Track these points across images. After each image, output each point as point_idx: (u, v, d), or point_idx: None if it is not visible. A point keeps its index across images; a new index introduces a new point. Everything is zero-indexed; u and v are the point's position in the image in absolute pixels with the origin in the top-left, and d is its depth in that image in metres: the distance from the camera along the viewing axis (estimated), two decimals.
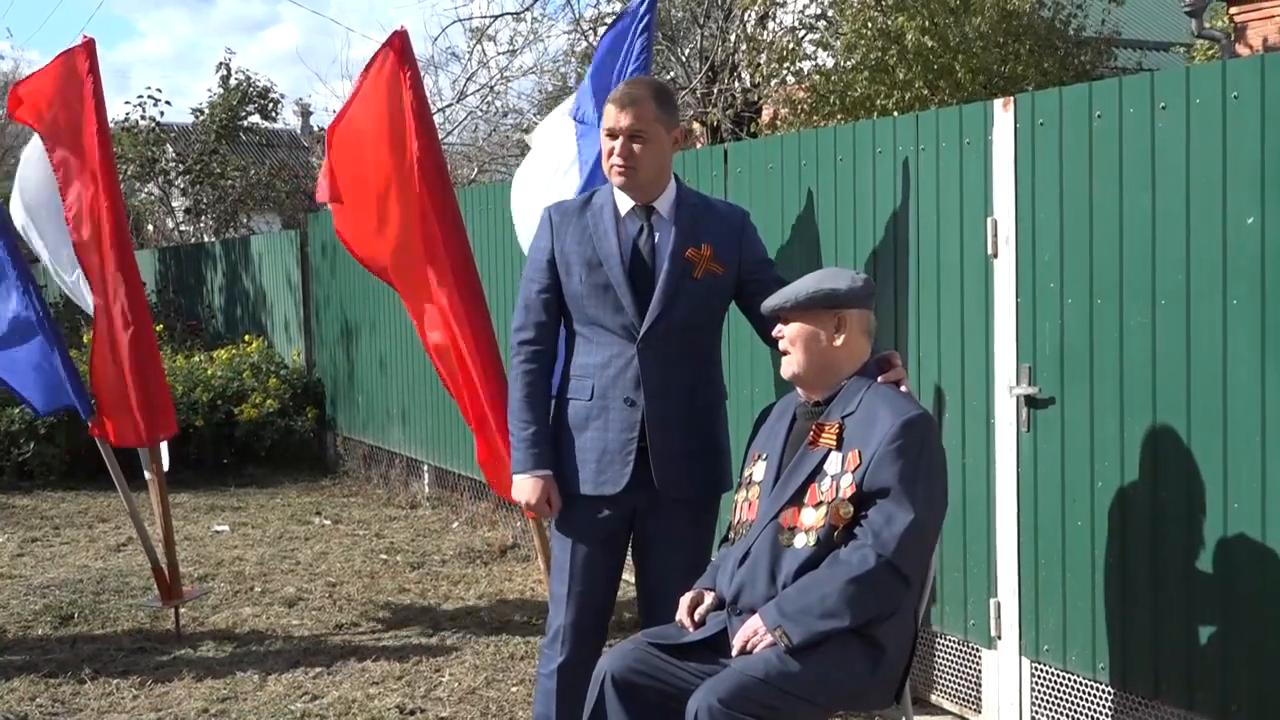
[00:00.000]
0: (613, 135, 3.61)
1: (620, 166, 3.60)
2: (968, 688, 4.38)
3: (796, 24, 13.14)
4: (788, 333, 3.35)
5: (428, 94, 5.66)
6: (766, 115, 13.56)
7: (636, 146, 3.58)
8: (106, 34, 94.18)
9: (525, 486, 3.68)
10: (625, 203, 3.67)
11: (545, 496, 3.67)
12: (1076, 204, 3.86)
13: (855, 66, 11.24)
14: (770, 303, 3.38)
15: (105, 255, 5.54)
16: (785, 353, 3.36)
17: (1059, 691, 4.05)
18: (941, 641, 4.48)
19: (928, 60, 10.88)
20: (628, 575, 3.88)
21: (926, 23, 10.71)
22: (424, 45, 24.36)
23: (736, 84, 13.31)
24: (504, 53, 15.95)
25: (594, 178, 4.65)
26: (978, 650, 4.32)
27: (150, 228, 20.04)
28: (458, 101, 16.49)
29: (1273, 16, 13.25)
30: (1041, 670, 4.10)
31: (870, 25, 10.98)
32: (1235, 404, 3.45)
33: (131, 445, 5.76)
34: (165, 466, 5.84)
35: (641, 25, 4.99)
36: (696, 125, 13.17)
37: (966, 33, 10.84)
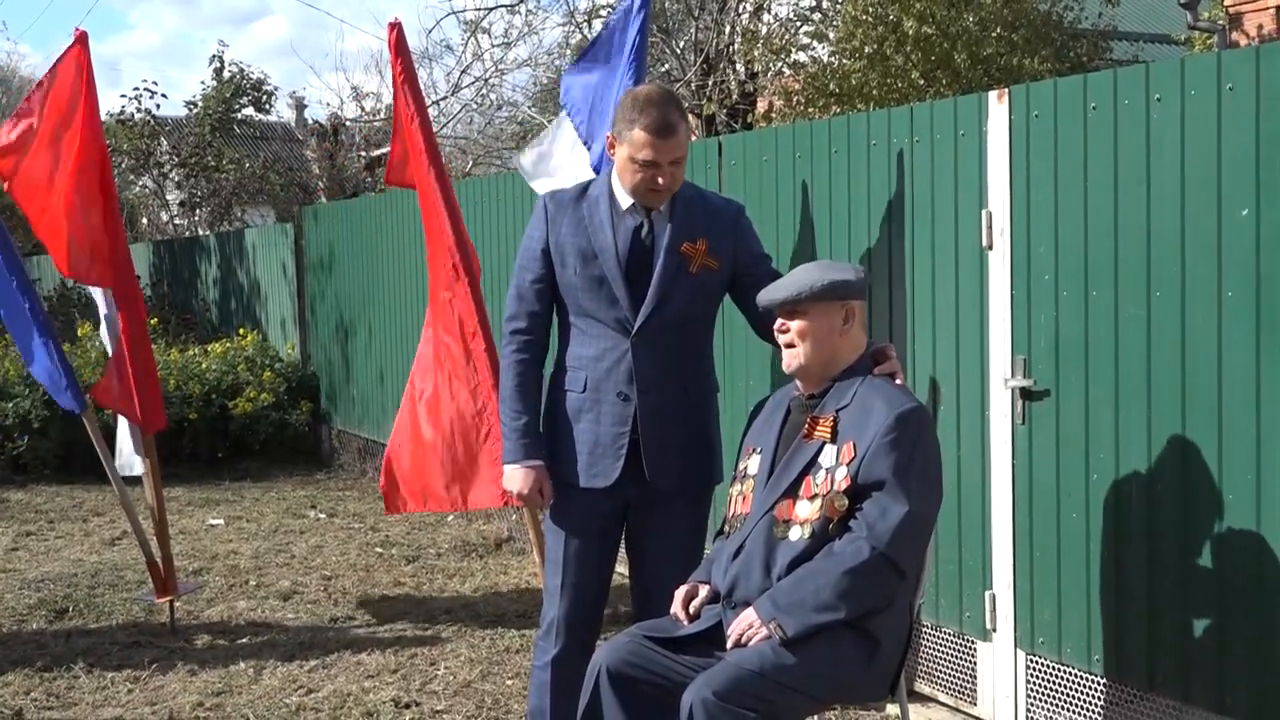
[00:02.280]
0: (655, 165, 3.52)
1: (661, 192, 3.56)
2: (963, 680, 4.38)
3: (792, 15, 13.12)
4: (797, 325, 3.29)
5: (422, 86, 5.68)
6: (761, 107, 13.54)
7: (676, 171, 3.57)
8: (97, 26, 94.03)
9: (516, 476, 3.67)
10: (623, 196, 3.65)
11: (537, 486, 3.67)
12: (1071, 196, 3.85)
13: (852, 53, 11.21)
14: (777, 295, 3.31)
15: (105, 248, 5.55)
16: (791, 345, 3.31)
17: (1054, 684, 4.05)
18: (936, 634, 4.48)
19: (926, 49, 10.87)
20: (622, 568, 3.88)
21: (926, 10, 10.69)
22: (419, 38, 24.35)
23: (731, 76, 13.29)
24: (498, 45, 15.93)
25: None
26: (973, 643, 4.32)
27: (144, 221, 20.02)
28: (452, 94, 16.47)
29: (1268, 8, 13.26)
30: (1036, 662, 4.10)
31: (869, 12, 10.95)
32: (1230, 395, 3.45)
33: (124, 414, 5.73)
34: (136, 470, 5.83)
35: (637, 19, 4.99)
36: (692, 118, 13.14)
37: (966, 24, 10.82)
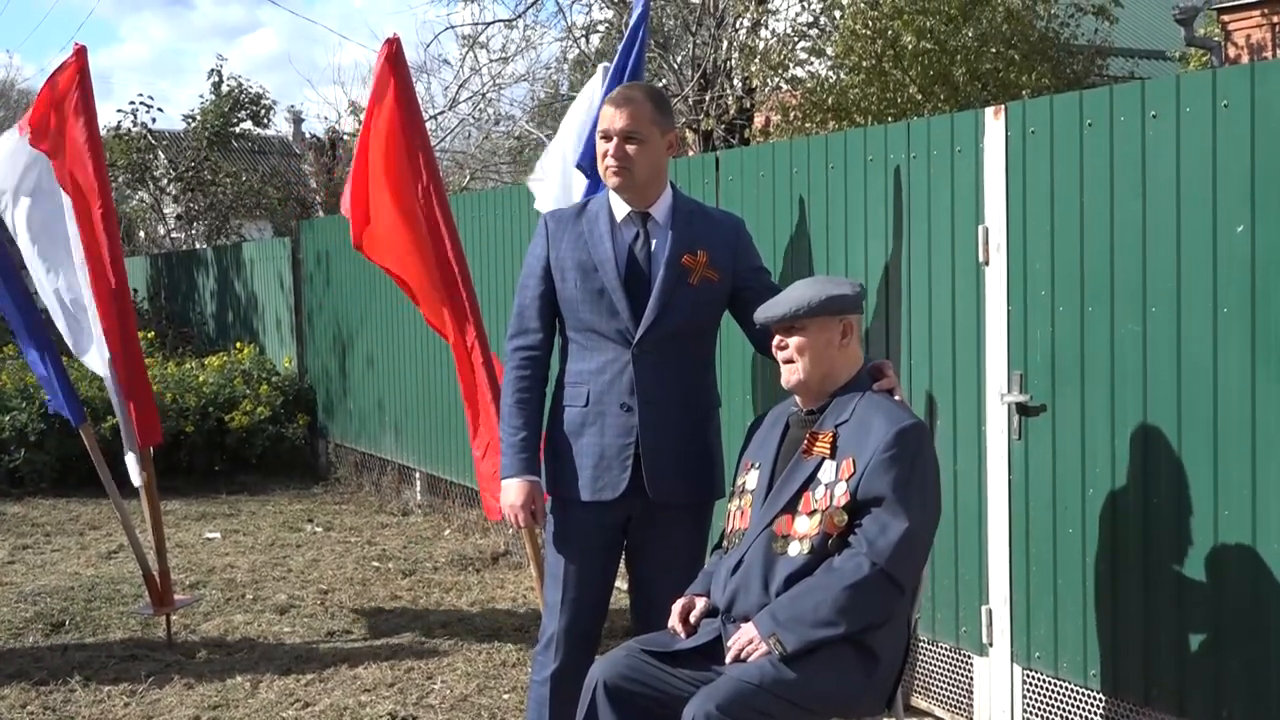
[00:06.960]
0: (607, 137, 3.62)
1: (615, 167, 3.61)
2: (960, 695, 4.39)
3: (790, 30, 13.17)
4: (795, 340, 3.30)
5: (420, 100, 5.68)
6: (759, 122, 13.58)
7: (631, 148, 3.59)
8: (88, 39, 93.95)
9: (512, 490, 3.68)
10: (621, 208, 3.67)
11: (531, 502, 3.68)
12: (1067, 212, 3.87)
13: (851, 69, 11.25)
14: (775, 312, 3.32)
15: (97, 262, 5.54)
16: (790, 361, 3.32)
17: (1050, 698, 4.06)
18: (933, 648, 4.48)
19: (924, 64, 10.90)
20: (621, 582, 3.88)
21: (925, 25, 10.73)
22: (416, 52, 24.46)
23: (729, 91, 13.32)
24: (496, 60, 15.97)
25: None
26: (969, 657, 4.33)
27: (142, 234, 20.03)
28: (450, 108, 16.50)
29: (1260, 25, 13.37)
30: (1033, 677, 4.10)
31: (868, 27, 10.99)
32: (1226, 411, 3.46)
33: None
34: (138, 480, 5.83)
35: (636, 34, 5.01)
36: (689, 133, 13.18)
37: (965, 39, 10.86)
